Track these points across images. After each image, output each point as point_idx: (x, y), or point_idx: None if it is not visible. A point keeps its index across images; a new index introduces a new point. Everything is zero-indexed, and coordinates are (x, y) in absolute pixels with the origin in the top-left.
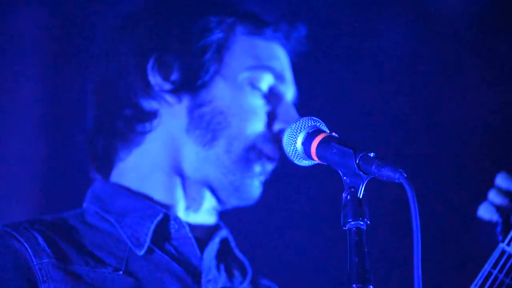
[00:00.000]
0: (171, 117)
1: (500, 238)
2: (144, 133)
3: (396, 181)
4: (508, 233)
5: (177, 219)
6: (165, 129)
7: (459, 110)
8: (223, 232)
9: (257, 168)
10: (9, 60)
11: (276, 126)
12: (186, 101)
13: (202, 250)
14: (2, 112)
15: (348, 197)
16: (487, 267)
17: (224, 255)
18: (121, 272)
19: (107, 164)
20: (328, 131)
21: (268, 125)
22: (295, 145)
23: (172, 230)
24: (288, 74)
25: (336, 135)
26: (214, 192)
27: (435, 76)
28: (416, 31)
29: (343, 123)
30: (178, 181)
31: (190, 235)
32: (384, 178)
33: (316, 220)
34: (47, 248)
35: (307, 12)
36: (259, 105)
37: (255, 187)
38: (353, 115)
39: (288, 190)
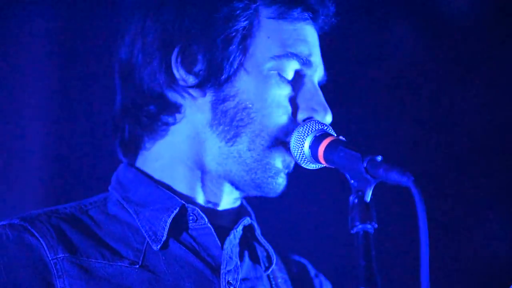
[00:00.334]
0: (195, 111)
1: None
2: (168, 124)
3: (404, 185)
4: None
5: (195, 210)
6: (188, 123)
7: (468, 112)
8: (247, 220)
9: (279, 164)
10: (26, 48)
11: (301, 115)
12: (210, 95)
13: (224, 239)
14: (19, 102)
15: (356, 200)
16: None
17: (248, 242)
18: (137, 266)
19: (133, 150)
20: (335, 135)
21: (292, 114)
22: (302, 149)
23: (191, 222)
24: (316, 56)
25: (344, 138)
26: (236, 186)
27: (443, 78)
28: (424, 33)
29: (351, 126)
30: (198, 174)
31: (209, 225)
32: (392, 182)
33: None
34: (62, 243)
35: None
36: (284, 95)
37: (277, 184)
38: (361, 118)
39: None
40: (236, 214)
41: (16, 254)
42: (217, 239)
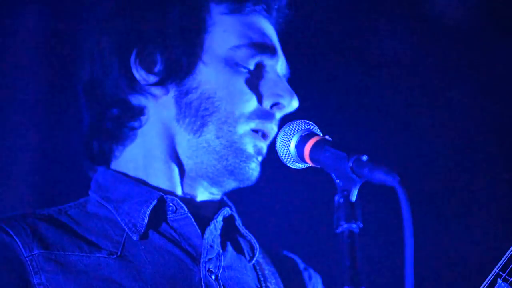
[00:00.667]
0: (160, 109)
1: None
2: (134, 129)
3: (389, 184)
4: None
5: (174, 200)
6: (155, 122)
7: (458, 112)
8: (227, 211)
9: (251, 149)
10: (8, 61)
11: (267, 102)
12: (172, 91)
13: (205, 228)
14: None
15: (341, 200)
16: None
17: (230, 233)
18: (115, 256)
19: (103, 162)
20: (321, 135)
21: (258, 102)
22: (288, 148)
23: (170, 212)
24: (275, 48)
25: (330, 138)
26: (210, 178)
27: (431, 79)
28: (416, 33)
29: (338, 125)
30: (175, 168)
31: (189, 215)
32: (377, 182)
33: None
34: (37, 240)
35: (306, 13)
36: (246, 83)
37: (251, 169)
38: (347, 118)
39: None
40: (216, 206)
41: None
42: (197, 228)
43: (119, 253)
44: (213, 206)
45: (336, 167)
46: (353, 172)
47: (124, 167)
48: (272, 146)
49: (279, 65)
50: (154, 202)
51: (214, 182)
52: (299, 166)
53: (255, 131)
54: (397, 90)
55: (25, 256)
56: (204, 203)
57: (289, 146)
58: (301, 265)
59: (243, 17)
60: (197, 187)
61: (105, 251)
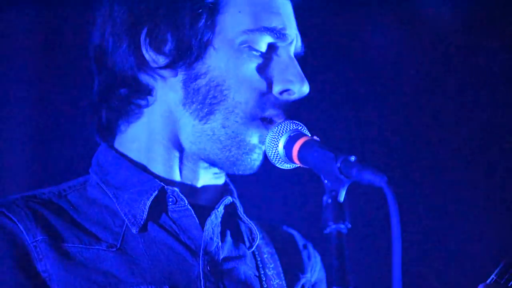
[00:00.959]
0: (167, 91)
1: None
2: (141, 107)
3: (377, 185)
4: None
5: (174, 192)
6: (162, 103)
7: (447, 113)
8: (228, 199)
9: (256, 140)
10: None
11: (276, 88)
12: (181, 74)
13: (205, 219)
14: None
15: (329, 200)
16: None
17: (230, 220)
18: (115, 249)
19: (110, 133)
20: (310, 135)
21: (268, 88)
22: (276, 148)
23: (170, 203)
24: (290, 29)
25: (318, 138)
26: (212, 163)
27: (422, 79)
28: (404, 33)
29: (327, 125)
30: (176, 153)
31: (189, 207)
32: (365, 182)
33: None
34: (40, 226)
35: (301, 15)
36: (257, 68)
37: (253, 160)
38: (337, 118)
39: None
40: (218, 192)
41: None
42: (197, 220)
43: (118, 246)
44: (215, 192)
45: (324, 167)
46: (341, 173)
47: (128, 146)
48: None
49: (293, 45)
50: (155, 193)
51: (215, 165)
52: (287, 166)
53: (263, 119)
54: (385, 91)
55: (30, 242)
56: (206, 189)
57: (278, 146)
58: (301, 243)
59: None
60: (199, 170)
61: (104, 243)
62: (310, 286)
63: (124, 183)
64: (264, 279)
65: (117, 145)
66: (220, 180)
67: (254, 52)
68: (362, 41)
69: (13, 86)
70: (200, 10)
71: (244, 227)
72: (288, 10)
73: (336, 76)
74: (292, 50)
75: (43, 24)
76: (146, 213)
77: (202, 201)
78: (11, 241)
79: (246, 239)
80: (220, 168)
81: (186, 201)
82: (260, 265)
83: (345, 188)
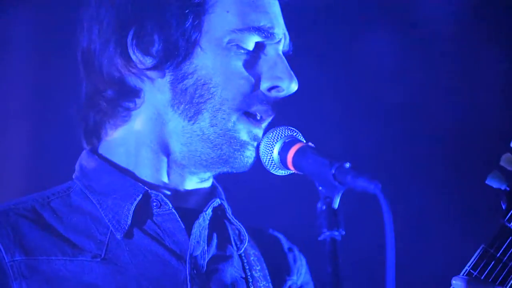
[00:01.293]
0: (155, 93)
1: (504, 207)
2: (129, 110)
3: (371, 192)
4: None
5: (158, 195)
6: (150, 105)
7: (442, 117)
8: (216, 201)
9: (245, 136)
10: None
11: (264, 84)
12: (168, 75)
13: (192, 222)
14: None
15: (323, 207)
16: (484, 245)
17: (218, 222)
18: (100, 259)
19: (96, 137)
20: (305, 141)
21: (255, 85)
22: (271, 154)
23: (155, 208)
24: (278, 28)
25: (313, 145)
26: (204, 166)
27: (417, 84)
28: (400, 39)
29: (322, 132)
30: (164, 157)
31: (173, 210)
32: (359, 189)
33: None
34: (19, 244)
35: (293, 18)
36: (244, 66)
37: (245, 157)
38: (332, 124)
39: None
40: (206, 195)
41: None
42: (181, 224)
43: (103, 256)
44: (202, 196)
45: (318, 174)
46: (335, 179)
47: (115, 150)
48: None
49: (280, 45)
50: (139, 198)
51: (207, 169)
52: (282, 172)
53: (251, 115)
54: (382, 96)
55: (7, 261)
56: (193, 193)
57: (272, 152)
58: (286, 246)
59: None
60: (186, 175)
61: (89, 254)
62: None
63: (107, 188)
64: (251, 280)
65: (103, 149)
66: (208, 183)
67: (242, 51)
68: (357, 45)
69: (9, 87)
70: (187, 11)
71: (232, 229)
72: (275, 9)
73: (332, 82)
74: (280, 48)
75: (39, 26)
76: (130, 218)
77: (189, 204)
78: None
79: (233, 241)
80: (213, 169)
81: (171, 205)
82: (247, 267)
83: (340, 194)
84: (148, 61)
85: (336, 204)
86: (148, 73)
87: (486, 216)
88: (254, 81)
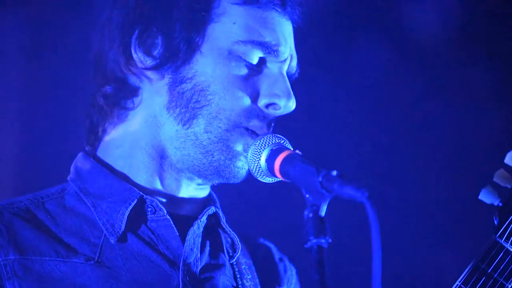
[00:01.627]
0: (153, 94)
1: (496, 222)
2: (127, 109)
3: (358, 200)
4: (503, 222)
5: (153, 201)
6: (147, 106)
7: (435, 132)
8: (211, 209)
9: (239, 147)
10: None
11: (262, 101)
12: (167, 78)
13: (186, 229)
14: None
15: (310, 215)
16: (475, 260)
17: (212, 230)
18: (93, 262)
19: (96, 137)
20: (292, 149)
21: (253, 99)
22: (259, 162)
23: (149, 213)
24: (284, 47)
25: (300, 153)
26: (197, 171)
27: (410, 93)
28: (390, 51)
29: (309, 139)
30: (158, 161)
31: (167, 216)
32: (346, 197)
33: None
34: (13, 243)
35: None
36: (244, 78)
37: (237, 167)
38: (320, 132)
39: None
40: (202, 202)
41: None
42: (176, 230)
43: (96, 259)
44: (198, 203)
45: (305, 181)
46: (322, 187)
47: (112, 152)
48: None
49: (286, 63)
50: (134, 203)
51: (200, 175)
52: (269, 180)
53: (246, 129)
54: (374, 105)
55: (0, 260)
56: (188, 200)
57: (260, 160)
58: (277, 256)
59: (256, 10)
60: (182, 179)
61: (82, 256)
62: None
63: (102, 192)
64: None
65: (100, 151)
66: (204, 191)
67: (244, 63)
68: (349, 57)
69: (2, 88)
70: (193, 17)
71: (225, 238)
72: (285, 29)
73: (320, 91)
74: (285, 68)
75: (37, 27)
76: (124, 222)
77: (184, 211)
78: None
79: (226, 249)
80: (205, 177)
81: (165, 211)
82: (238, 276)
83: (327, 202)
84: (149, 62)
85: (323, 212)
86: (148, 73)
87: (478, 232)
88: (252, 95)
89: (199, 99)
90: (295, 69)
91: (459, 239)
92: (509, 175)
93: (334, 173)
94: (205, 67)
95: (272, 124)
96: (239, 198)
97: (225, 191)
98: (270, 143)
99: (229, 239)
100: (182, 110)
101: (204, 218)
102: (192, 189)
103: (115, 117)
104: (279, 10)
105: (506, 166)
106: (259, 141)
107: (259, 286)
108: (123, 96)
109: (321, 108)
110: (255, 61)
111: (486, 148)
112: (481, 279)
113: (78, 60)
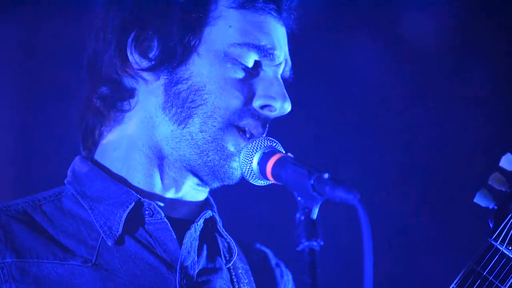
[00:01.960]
0: (149, 95)
1: (491, 225)
2: (123, 111)
3: (350, 203)
4: (499, 225)
5: (151, 204)
6: (143, 108)
7: (429, 135)
8: (208, 213)
9: (232, 148)
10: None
11: (257, 102)
12: (163, 78)
13: (183, 232)
14: None
15: (302, 217)
16: (470, 263)
17: (209, 234)
18: (90, 264)
19: (93, 141)
20: (284, 152)
21: (247, 101)
22: (251, 165)
23: (147, 216)
24: (279, 51)
25: (292, 155)
26: (194, 173)
27: (404, 97)
28: (386, 55)
29: (302, 142)
30: (156, 161)
31: (165, 220)
32: (338, 200)
33: None
34: (11, 246)
35: None
36: (239, 79)
37: (231, 168)
38: (312, 135)
39: None
40: (199, 206)
41: None
42: (173, 234)
43: (93, 261)
44: (195, 206)
45: (297, 184)
46: (314, 190)
47: (109, 154)
48: None
49: (281, 67)
50: (132, 206)
51: (197, 176)
52: (261, 183)
53: (240, 129)
54: (367, 109)
55: None
56: (186, 202)
57: (252, 162)
58: (273, 261)
59: (252, 14)
60: (181, 179)
61: (79, 258)
62: None
63: (100, 194)
64: None
65: (98, 155)
66: (202, 194)
67: (239, 65)
68: (344, 60)
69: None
70: (189, 19)
71: (222, 242)
72: (279, 34)
73: (313, 93)
74: (279, 72)
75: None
76: (122, 225)
77: (181, 214)
78: None
79: (222, 254)
80: (201, 177)
81: (163, 214)
82: (235, 280)
83: (318, 205)
84: (145, 63)
85: (314, 215)
86: (144, 74)
87: (473, 234)
88: (247, 96)
89: (195, 99)
90: (289, 73)
91: (454, 242)
92: (504, 178)
93: (326, 175)
94: (201, 68)
95: (267, 125)
96: (235, 204)
97: (222, 196)
98: (262, 146)
99: (225, 243)
100: (178, 110)
101: (201, 222)
102: (191, 190)
103: (112, 120)
104: (275, 15)
105: (501, 169)
106: (251, 144)
107: None
108: (119, 97)
109: (316, 110)
110: (250, 64)
111: (481, 151)
112: (476, 281)
113: (73, 63)
